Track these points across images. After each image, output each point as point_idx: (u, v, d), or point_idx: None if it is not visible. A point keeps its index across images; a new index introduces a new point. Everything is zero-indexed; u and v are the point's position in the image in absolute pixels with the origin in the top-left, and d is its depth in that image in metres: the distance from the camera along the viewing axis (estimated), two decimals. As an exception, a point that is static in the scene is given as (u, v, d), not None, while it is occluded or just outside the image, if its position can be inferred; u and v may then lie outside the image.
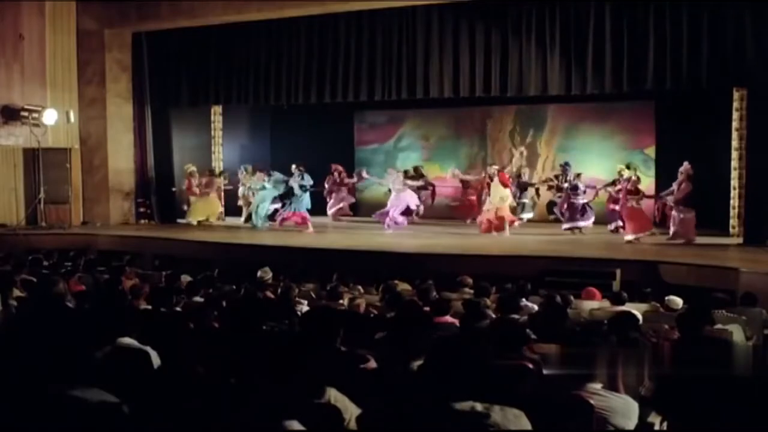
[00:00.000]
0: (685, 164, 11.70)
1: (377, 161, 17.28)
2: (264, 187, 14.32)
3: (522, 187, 14.66)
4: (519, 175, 15.03)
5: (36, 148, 14.54)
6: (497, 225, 12.85)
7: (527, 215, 14.74)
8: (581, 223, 13.13)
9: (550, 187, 14.61)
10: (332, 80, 14.36)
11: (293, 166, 14.45)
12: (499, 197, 12.91)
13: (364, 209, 16.55)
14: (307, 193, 14.45)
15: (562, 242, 12.17)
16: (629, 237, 11.92)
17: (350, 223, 15.71)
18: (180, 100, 15.98)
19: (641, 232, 11.93)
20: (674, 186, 11.82)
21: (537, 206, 15.18)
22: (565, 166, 14.14)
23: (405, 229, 13.96)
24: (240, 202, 15.81)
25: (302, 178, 14.28)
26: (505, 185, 13.04)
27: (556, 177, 14.40)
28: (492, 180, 13.21)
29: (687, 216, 11.68)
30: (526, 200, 14.82)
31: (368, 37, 14.08)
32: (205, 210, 15.48)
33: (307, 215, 14.23)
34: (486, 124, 16.74)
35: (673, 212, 11.83)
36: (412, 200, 14.07)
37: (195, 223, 15.23)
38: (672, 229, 11.87)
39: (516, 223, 13.36)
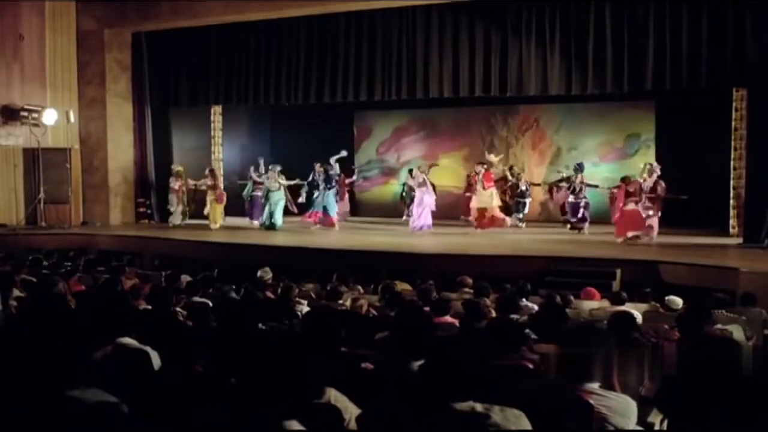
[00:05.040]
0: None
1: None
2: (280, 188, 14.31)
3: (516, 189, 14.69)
4: (504, 176, 15.22)
5: (36, 148, 14.54)
6: (490, 221, 13.22)
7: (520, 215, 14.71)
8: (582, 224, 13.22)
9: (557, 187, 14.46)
10: (332, 80, 14.37)
11: (317, 165, 14.49)
12: (489, 194, 13.20)
13: (364, 209, 16.59)
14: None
15: (562, 242, 12.17)
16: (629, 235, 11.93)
17: (351, 223, 15.73)
18: (180, 100, 15.99)
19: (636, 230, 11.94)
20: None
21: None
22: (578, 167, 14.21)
23: (404, 228, 14.05)
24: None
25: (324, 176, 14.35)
26: (487, 184, 13.28)
27: (568, 178, 14.31)
28: (478, 176, 13.47)
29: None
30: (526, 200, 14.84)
31: (368, 37, 14.09)
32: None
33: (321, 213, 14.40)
34: (486, 123, 16.77)
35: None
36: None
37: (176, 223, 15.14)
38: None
39: (508, 222, 13.47)
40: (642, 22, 11.96)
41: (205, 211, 14.91)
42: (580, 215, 13.30)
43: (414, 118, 17.37)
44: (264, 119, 18.50)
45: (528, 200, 14.85)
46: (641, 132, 15.51)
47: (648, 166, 12.15)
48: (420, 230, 13.63)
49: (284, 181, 14.55)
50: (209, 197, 14.86)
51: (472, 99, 14.23)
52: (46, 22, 15.24)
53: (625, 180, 12.11)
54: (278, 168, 14.75)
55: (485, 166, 13.66)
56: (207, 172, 15.08)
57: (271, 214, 14.28)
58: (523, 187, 14.72)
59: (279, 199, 14.30)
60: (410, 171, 15.51)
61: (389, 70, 13.90)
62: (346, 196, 16.26)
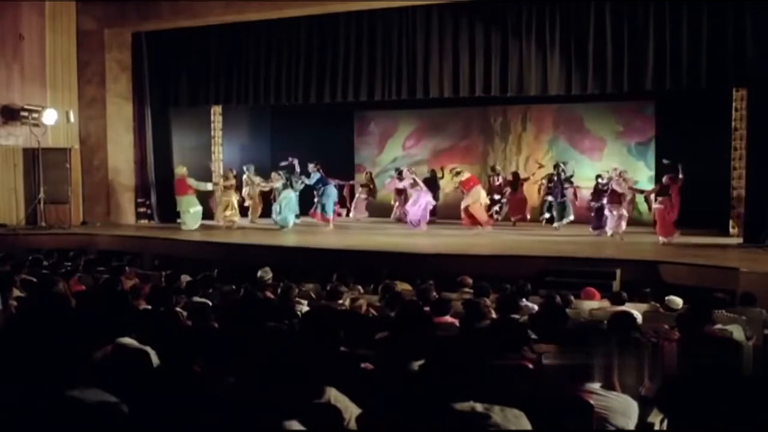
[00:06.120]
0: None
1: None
2: (288, 186, 14.37)
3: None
4: (494, 173, 15.42)
5: (36, 148, 14.54)
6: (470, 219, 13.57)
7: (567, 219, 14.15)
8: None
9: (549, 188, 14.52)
10: (332, 80, 14.36)
11: (310, 165, 14.51)
12: (470, 195, 13.56)
13: (372, 210, 16.56)
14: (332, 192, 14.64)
15: (562, 242, 12.17)
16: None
17: (351, 223, 15.74)
18: (180, 100, 15.97)
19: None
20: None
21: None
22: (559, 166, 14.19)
23: (404, 228, 14.06)
24: (247, 203, 15.75)
25: (308, 177, 14.43)
26: (464, 188, 13.57)
27: (550, 177, 14.37)
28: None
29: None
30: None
31: (368, 37, 14.08)
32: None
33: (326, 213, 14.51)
34: (487, 123, 16.77)
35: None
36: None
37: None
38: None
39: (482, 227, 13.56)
40: (642, 22, 11.96)
41: (227, 212, 14.85)
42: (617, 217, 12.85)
43: (416, 118, 17.36)
44: (264, 119, 18.49)
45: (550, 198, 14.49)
46: (640, 132, 15.55)
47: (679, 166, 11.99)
48: (414, 226, 13.75)
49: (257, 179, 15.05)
50: (233, 197, 14.88)
51: (473, 99, 14.22)
52: (46, 22, 15.23)
53: (675, 180, 11.81)
54: (252, 167, 15.19)
55: (458, 169, 14.08)
56: (233, 172, 15.19)
57: (278, 213, 14.36)
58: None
59: (286, 197, 14.31)
60: (399, 172, 15.40)
61: (389, 70, 13.89)
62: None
